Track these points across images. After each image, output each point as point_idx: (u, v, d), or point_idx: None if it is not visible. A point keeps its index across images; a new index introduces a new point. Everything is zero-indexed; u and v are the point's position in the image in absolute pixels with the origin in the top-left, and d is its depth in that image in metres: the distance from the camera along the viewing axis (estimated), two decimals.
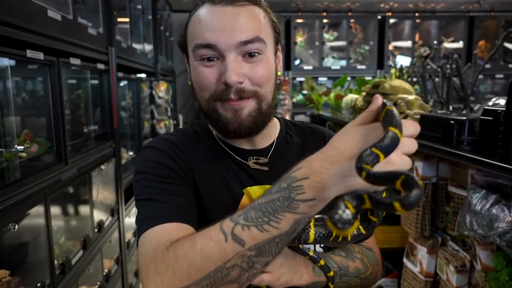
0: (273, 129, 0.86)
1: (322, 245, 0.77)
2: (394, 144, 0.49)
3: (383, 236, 2.02)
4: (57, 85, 1.30)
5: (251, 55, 0.73)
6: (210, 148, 0.80)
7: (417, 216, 1.65)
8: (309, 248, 0.72)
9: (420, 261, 1.69)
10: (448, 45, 4.82)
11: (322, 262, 0.72)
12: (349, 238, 0.64)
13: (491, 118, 1.08)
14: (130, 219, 2.22)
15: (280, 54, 0.83)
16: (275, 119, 0.89)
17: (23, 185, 1.09)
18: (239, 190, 0.77)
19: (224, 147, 0.81)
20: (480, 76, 4.83)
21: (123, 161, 2.16)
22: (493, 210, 1.16)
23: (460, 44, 4.78)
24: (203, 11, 0.74)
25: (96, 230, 1.66)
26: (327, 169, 0.53)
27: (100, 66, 1.78)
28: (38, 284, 1.16)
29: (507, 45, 4.82)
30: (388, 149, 0.49)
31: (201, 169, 0.76)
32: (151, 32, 3.15)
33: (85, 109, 1.69)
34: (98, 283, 1.67)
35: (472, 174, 1.35)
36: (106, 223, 1.80)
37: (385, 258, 2.13)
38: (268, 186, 0.76)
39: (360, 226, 0.66)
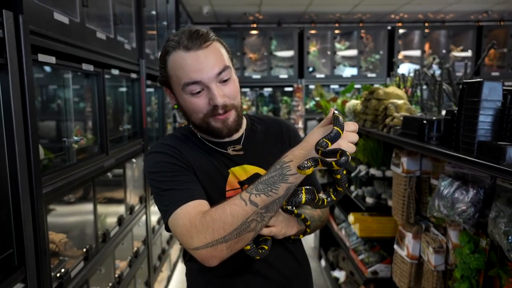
0: (243, 123, 1.12)
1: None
2: (336, 136, 0.81)
3: (377, 226, 2.25)
4: (102, 90, 1.63)
5: (224, 81, 0.98)
6: (198, 145, 1.04)
7: (403, 206, 1.89)
8: (293, 208, 1.02)
9: (407, 246, 1.92)
10: (457, 53, 4.99)
11: (302, 216, 1.04)
12: (325, 203, 0.92)
13: (449, 117, 1.33)
14: (154, 208, 2.54)
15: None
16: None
17: (78, 167, 1.41)
18: (225, 172, 1.02)
19: (208, 144, 1.06)
20: None
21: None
22: (455, 194, 1.40)
23: (469, 53, 4.95)
24: (180, 57, 0.95)
25: (128, 212, 1.98)
26: (302, 153, 0.85)
27: (133, 75, 2.11)
28: (87, 246, 1.47)
29: None
30: (333, 139, 0.81)
31: (196, 161, 1.00)
32: None
33: (121, 111, 2.02)
34: (129, 257, 1.98)
35: (445, 166, 1.59)
36: (136, 208, 2.11)
37: (380, 247, 2.36)
38: (246, 165, 1.05)
39: (332, 195, 0.93)
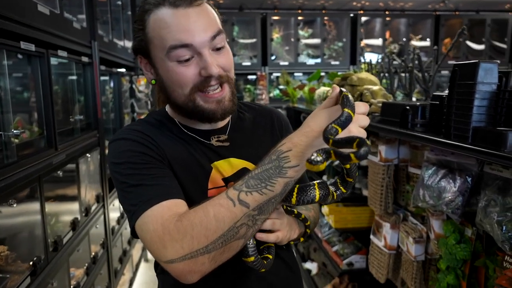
0: None
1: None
2: (348, 120, 0.67)
3: (352, 217, 2.19)
4: (47, 75, 1.39)
5: (218, 48, 0.82)
6: (175, 133, 0.88)
7: (381, 195, 1.83)
8: (292, 208, 0.88)
9: (384, 236, 1.87)
10: (416, 42, 5.08)
11: (303, 216, 0.90)
12: (335, 197, 0.78)
13: (438, 102, 1.25)
14: (114, 207, 2.31)
15: None
16: None
17: (19, 167, 1.18)
18: (208, 166, 0.86)
19: (188, 132, 0.89)
20: (446, 72, 5.12)
21: (107, 151, 2.25)
22: (441, 183, 1.34)
23: (427, 42, 5.05)
24: (167, 15, 0.79)
25: (83, 214, 1.76)
26: (304, 142, 0.70)
27: (85, 59, 1.86)
28: (34, 258, 1.25)
29: (469, 43, 5.13)
30: (343, 125, 0.66)
31: (173, 152, 0.83)
32: (130, 28, 3.23)
33: (71, 100, 1.78)
34: (86, 264, 1.76)
35: (426, 154, 1.53)
36: (93, 209, 1.89)
37: (355, 237, 2.31)
38: (232, 159, 0.89)
39: (341, 187, 0.80)
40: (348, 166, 0.73)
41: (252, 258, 0.77)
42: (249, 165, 0.89)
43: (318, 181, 0.76)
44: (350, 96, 0.69)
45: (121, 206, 0.81)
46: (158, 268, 0.92)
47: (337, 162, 2.34)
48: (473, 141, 1.07)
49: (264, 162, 0.71)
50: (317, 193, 0.73)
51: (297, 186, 0.74)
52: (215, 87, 0.83)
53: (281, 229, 0.82)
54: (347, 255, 2.18)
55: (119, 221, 2.48)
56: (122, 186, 0.77)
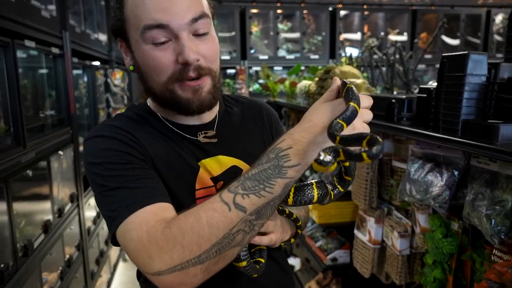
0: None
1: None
2: (353, 115, 0.61)
3: (336, 211, 2.17)
4: (13, 66, 1.28)
5: (200, 34, 0.74)
6: (158, 129, 0.81)
7: (365, 190, 1.81)
8: (283, 207, 0.83)
9: (369, 231, 1.86)
10: (393, 37, 5.13)
11: (294, 216, 0.85)
12: (332, 197, 0.74)
13: (425, 95, 1.23)
14: (90, 207, 2.21)
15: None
16: None
17: None
18: (195, 164, 0.80)
19: (172, 127, 0.82)
20: (423, 66, 5.20)
21: (81, 149, 2.14)
22: (428, 177, 1.32)
23: (404, 36, 5.11)
24: None
25: (56, 215, 1.65)
26: (306, 138, 0.63)
27: (55, 50, 1.75)
28: (1, 266, 1.16)
29: (444, 38, 5.23)
30: (349, 120, 0.61)
31: (156, 150, 0.77)
32: (104, 19, 3.09)
33: (41, 94, 1.66)
34: (60, 268, 1.67)
35: (411, 148, 1.51)
36: (66, 209, 1.79)
37: (338, 232, 2.30)
38: (220, 156, 0.83)
39: (338, 186, 0.76)
40: (347, 163, 0.68)
41: (244, 263, 0.72)
42: (238, 162, 0.83)
43: (315, 180, 0.71)
44: (354, 88, 0.64)
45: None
46: (142, 276, 0.85)
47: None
48: (463, 134, 1.05)
49: (261, 161, 0.65)
50: (315, 193, 0.68)
51: (294, 185, 0.68)
52: (192, 76, 0.75)
53: (275, 231, 0.78)
54: (331, 250, 2.17)
55: (95, 221, 2.37)
56: (100, 190, 0.69)
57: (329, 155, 0.56)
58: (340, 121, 0.60)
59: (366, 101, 0.67)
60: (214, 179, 0.81)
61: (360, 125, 0.64)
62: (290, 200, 0.68)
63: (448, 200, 1.26)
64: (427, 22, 5.22)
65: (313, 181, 0.70)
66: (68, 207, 1.83)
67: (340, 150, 0.57)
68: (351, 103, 0.61)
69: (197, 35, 0.74)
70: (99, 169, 0.70)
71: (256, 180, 0.63)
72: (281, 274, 0.90)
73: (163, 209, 0.66)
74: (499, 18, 5.23)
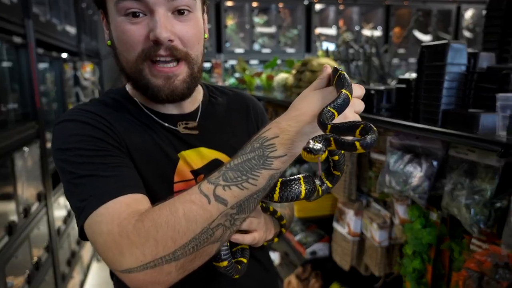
0: (198, 93, 0.85)
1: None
2: (346, 103, 0.58)
3: (315, 205, 2.16)
4: None
5: (180, 12, 0.69)
6: (136, 116, 0.76)
7: (345, 182, 1.80)
8: (267, 204, 0.79)
9: (348, 223, 1.85)
10: (367, 31, 5.18)
11: (278, 213, 0.80)
12: (320, 193, 0.70)
13: (404, 86, 1.22)
14: (59, 206, 2.10)
15: (206, 16, 0.79)
16: None
17: None
18: (174, 156, 0.75)
19: (151, 115, 0.77)
20: (396, 61, 5.29)
21: (49, 145, 2.03)
22: (407, 168, 1.32)
23: (378, 31, 5.17)
24: None
25: (22, 215, 1.55)
26: (294, 127, 0.59)
27: (17, 39, 1.63)
28: None
29: (417, 34, 5.32)
30: (341, 108, 0.58)
31: (132, 138, 0.72)
32: (72, 10, 2.94)
33: (3, 88, 1.55)
34: (27, 271, 1.57)
35: (390, 140, 1.51)
36: (33, 209, 1.69)
37: (317, 226, 2.29)
38: (202, 148, 0.78)
39: (326, 181, 0.72)
40: (336, 157, 0.65)
41: (225, 263, 0.67)
42: (221, 156, 0.79)
43: (303, 174, 0.66)
44: (347, 75, 0.60)
45: (68, 204, 0.67)
46: (115, 276, 0.79)
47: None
48: (443, 124, 1.04)
49: (245, 150, 0.60)
50: (303, 189, 0.64)
51: (280, 180, 0.64)
52: (166, 59, 0.69)
53: (258, 229, 0.73)
54: (310, 244, 2.16)
55: (65, 221, 2.26)
56: (69, 177, 0.64)
57: (320, 143, 0.52)
58: (331, 109, 0.56)
59: (358, 90, 0.63)
60: (195, 172, 0.76)
61: (352, 115, 0.61)
62: (276, 196, 0.63)
63: (427, 191, 1.26)
64: (400, 17, 5.31)
65: (300, 175, 0.66)
66: (35, 206, 1.73)
67: (331, 139, 0.53)
68: (343, 90, 0.57)
69: (177, 13, 0.69)
70: (68, 155, 0.65)
71: (238, 171, 0.58)
72: (264, 275, 0.86)
73: (136, 201, 0.62)
74: (468, 13, 5.38)
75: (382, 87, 1.38)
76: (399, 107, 1.24)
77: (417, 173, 1.29)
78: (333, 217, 1.99)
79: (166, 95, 0.72)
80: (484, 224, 1.04)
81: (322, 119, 0.55)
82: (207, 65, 4.87)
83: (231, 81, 4.92)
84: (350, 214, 1.83)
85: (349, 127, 0.54)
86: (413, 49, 5.14)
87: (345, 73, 0.60)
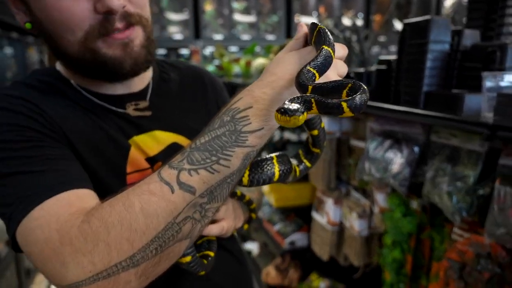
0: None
1: None
2: (328, 62, 0.49)
3: (293, 194, 2.10)
4: None
5: None
6: (74, 99, 0.65)
7: (324, 170, 1.74)
8: (235, 189, 0.70)
9: (327, 213, 1.80)
10: (348, 18, 5.12)
11: (247, 197, 0.72)
12: (297, 174, 0.61)
13: (385, 67, 1.15)
14: None
15: None
16: None
17: None
18: (125, 143, 0.66)
19: (91, 97, 0.67)
20: (377, 49, 5.26)
21: None
22: (387, 155, 1.26)
23: (359, 18, 5.12)
24: None
25: None
26: (270, 95, 0.49)
27: None
28: None
29: (396, 24, 5.30)
30: (322, 67, 0.48)
31: (72, 125, 0.62)
32: None
33: None
34: None
35: (370, 125, 1.45)
36: None
37: (296, 215, 2.24)
38: (157, 132, 0.68)
39: (304, 160, 0.64)
40: (316, 132, 0.56)
41: (188, 258, 0.58)
42: (180, 138, 0.70)
43: (276, 153, 0.57)
44: (328, 31, 0.50)
45: None
46: None
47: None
48: (426, 106, 0.98)
49: (213, 126, 0.50)
50: (276, 170, 0.54)
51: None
52: (119, 28, 0.60)
53: (226, 218, 0.64)
54: (289, 234, 2.10)
55: None
56: None
57: (298, 104, 0.42)
58: (311, 69, 0.47)
59: (341, 49, 0.54)
60: (151, 160, 0.67)
61: (334, 77, 0.52)
62: (245, 180, 0.54)
63: (408, 178, 1.21)
64: (381, 5, 5.26)
65: (273, 154, 0.57)
66: None
67: (313, 100, 0.42)
68: (325, 47, 0.48)
69: None
70: None
71: (207, 151, 0.48)
72: (235, 267, 0.78)
73: (80, 198, 0.51)
74: (448, 2, 5.39)
75: (362, 70, 1.31)
76: (380, 89, 1.17)
77: (397, 160, 1.23)
78: (312, 206, 1.94)
79: (130, 65, 0.63)
80: (466, 212, 0.99)
81: (301, 80, 0.46)
82: (185, 51, 4.72)
83: (210, 68, 4.80)
84: (329, 203, 1.77)
85: (335, 87, 0.44)
86: (394, 37, 5.12)
87: (325, 28, 0.51)
